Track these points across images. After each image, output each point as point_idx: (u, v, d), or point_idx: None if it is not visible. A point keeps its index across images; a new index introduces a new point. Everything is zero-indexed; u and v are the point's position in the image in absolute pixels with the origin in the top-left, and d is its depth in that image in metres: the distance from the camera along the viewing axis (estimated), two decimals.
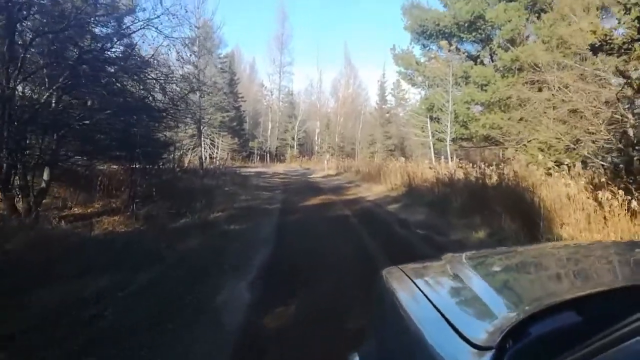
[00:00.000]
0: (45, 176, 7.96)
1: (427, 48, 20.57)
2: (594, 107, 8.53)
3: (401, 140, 39.59)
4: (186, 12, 10.47)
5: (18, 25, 7.08)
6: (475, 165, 12.10)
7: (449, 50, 17.96)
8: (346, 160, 33.68)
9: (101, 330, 3.50)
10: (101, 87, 8.10)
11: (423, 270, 1.83)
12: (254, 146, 47.27)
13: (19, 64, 6.86)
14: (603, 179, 6.83)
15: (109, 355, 3.20)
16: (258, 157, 47.27)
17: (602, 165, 8.56)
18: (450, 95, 17.59)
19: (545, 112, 11.18)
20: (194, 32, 16.78)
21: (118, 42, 9.27)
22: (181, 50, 10.81)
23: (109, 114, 8.29)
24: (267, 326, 3.70)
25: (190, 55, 14.09)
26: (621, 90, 7.83)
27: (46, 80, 7.42)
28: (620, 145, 7.90)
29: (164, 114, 10.22)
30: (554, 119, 10.63)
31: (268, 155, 48.69)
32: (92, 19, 8.18)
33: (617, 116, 8.10)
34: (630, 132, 7.85)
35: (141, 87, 9.32)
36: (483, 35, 17.99)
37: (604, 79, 8.95)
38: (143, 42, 9.34)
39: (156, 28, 8.56)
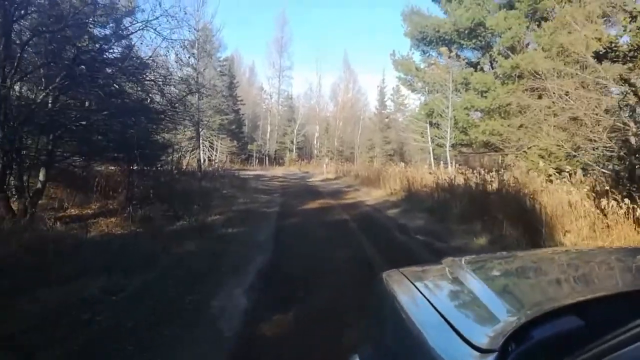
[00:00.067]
0: (41, 177, 7.87)
1: (427, 54, 20.55)
2: (596, 114, 8.47)
3: (400, 145, 39.58)
4: (185, 14, 10.42)
5: (15, 24, 7.02)
6: (474, 171, 12.05)
7: (449, 57, 17.93)
8: (345, 164, 33.67)
9: (93, 335, 3.41)
10: (98, 88, 8.01)
11: (423, 273, 1.83)
12: (253, 149, 47.22)
13: (16, 64, 6.79)
14: (607, 187, 6.77)
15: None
16: (257, 160, 47.23)
17: (604, 172, 8.52)
18: (450, 101, 17.55)
19: (545, 119, 11.13)
20: (193, 35, 16.73)
21: (116, 43, 9.23)
22: (180, 53, 10.76)
23: (106, 115, 8.21)
24: (264, 334, 3.61)
25: (189, 57, 14.03)
26: (623, 98, 7.79)
27: (43, 80, 7.35)
28: (622, 153, 7.85)
29: (162, 115, 10.15)
30: (554, 126, 10.58)
31: (267, 158, 48.66)
32: (91, 19, 8.10)
33: (619, 124, 8.04)
34: (633, 140, 7.81)
35: (139, 89, 9.25)
36: (483, 43, 17.95)
37: (605, 86, 8.90)
38: (141, 43, 9.27)
39: (155, 29, 8.49)
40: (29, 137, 7.86)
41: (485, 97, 17.06)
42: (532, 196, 7.75)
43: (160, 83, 9.40)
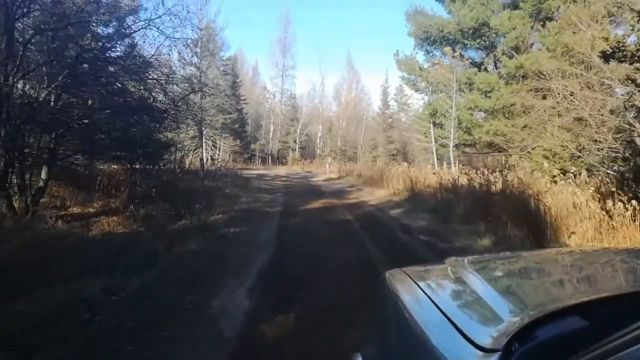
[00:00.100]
0: (43, 175, 7.87)
1: (431, 54, 20.46)
2: (601, 115, 8.41)
3: (403, 145, 39.48)
4: (188, 12, 10.37)
5: (17, 22, 7.00)
6: (478, 172, 11.99)
7: (453, 57, 17.84)
8: (348, 164, 33.60)
9: (92, 336, 3.38)
10: (101, 86, 8.00)
11: (426, 273, 1.82)
12: (256, 148, 47.21)
13: (18, 62, 6.77)
14: (613, 188, 6.70)
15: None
16: (260, 160, 47.20)
17: (608, 173, 8.45)
18: (454, 101, 17.47)
19: (549, 120, 11.07)
20: (196, 34, 16.72)
21: (119, 42, 9.21)
22: (183, 51, 10.71)
23: (108, 113, 8.22)
24: (264, 334, 3.58)
25: (192, 56, 13.99)
26: (629, 98, 7.72)
27: (45, 78, 7.33)
28: (627, 154, 7.78)
29: (165, 114, 10.13)
30: (558, 126, 10.51)
31: (270, 157, 48.59)
32: (94, 17, 8.08)
33: (624, 125, 7.97)
34: (638, 141, 7.73)
35: (142, 87, 9.23)
36: (487, 42, 17.87)
37: (610, 87, 8.83)
38: (144, 42, 9.27)
39: (157, 28, 8.48)
40: (31, 135, 7.85)
41: (489, 97, 16.99)
42: (536, 197, 7.69)
43: (163, 82, 9.38)
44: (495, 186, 9.61)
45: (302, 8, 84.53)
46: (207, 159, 23.72)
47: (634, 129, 7.78)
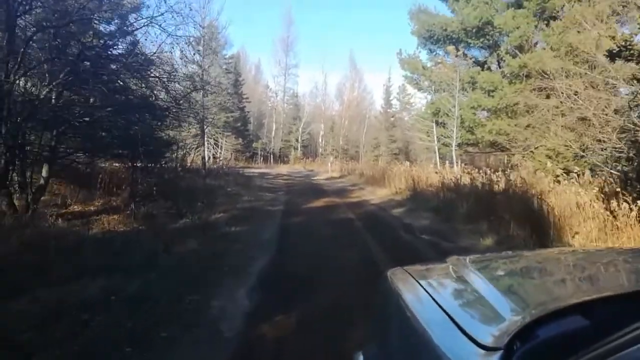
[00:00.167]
0: (44, 173, 7.85)
1: (434, 53, 20.41)
2: (605, 115, 8.35)
3: (406, 144, 39.45)
4: (190, 10, 10.32)
5: (19, 19, 6.97)
6: (480, 171, 11.94)
7: (456, 56, 17.78)
8: (350, 163, 33.53)
9: (91, 337, 3.34)
10: (103, 84, 7.96)
11: (428, 272, 1.83)
12: (258, 147, 47.16)
13: (19, 59, 6.74)
14: (618, 188, 6.64)
15: None
16: (262, 158, 47.16)
17: (612, 173, 8.39)
18: (457, 100, 17.41)
19: (553, 119, 11.01)
20: (199, 32, 16.70)
21: (121, 40, 9.20)
22: (185, 49, 10.67)
23: (110, 111, 8.19)
24: (265, 335, 3.54)
25: (194, 54, 13.96)
26: (634, 98, 7.66)
27: (46, 75, 7.30)
28: (631, 154, 7.73)
29: (167, 112, 10.09)
30: (562, 126, 10.46)
31: (272, 156, 48.55)
32: (96, 15, 8.05)
33: (629, 124, 7.91)
34: None
35: (143, 85, 9.20)
36: (491, 42, 17.80)
37: (614, 86, 8.77)
38: (146, 39, 9.23)
39: (159, 26, 8.45)
40: (32, 133, 7.82)
41: (492, 96, 16.93)
42: (539, 197, 7.64)
43: (165, 80, 9.35)
44: (498, 186, 9.56)
45: (305, 8, 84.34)
46: (209, 158, 23.68)
47: (638, 128, 7.72)
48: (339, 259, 6.25)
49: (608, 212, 6.16)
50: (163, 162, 12.17)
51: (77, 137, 8.96)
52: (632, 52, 6.62)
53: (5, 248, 5.16)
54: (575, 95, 9.43)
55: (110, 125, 8.92)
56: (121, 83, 8.86)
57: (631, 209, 5.81)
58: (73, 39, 7.76)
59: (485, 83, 17.29)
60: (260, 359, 3.26)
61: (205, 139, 20.31)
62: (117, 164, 10.88)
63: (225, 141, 30.88)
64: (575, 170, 8.50)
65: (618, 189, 6.66)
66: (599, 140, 8.58)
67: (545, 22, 15.03)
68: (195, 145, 19.41)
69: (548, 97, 11.76)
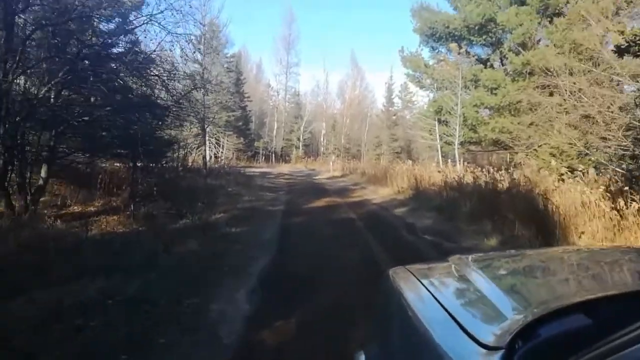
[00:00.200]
0: (43, 173, 7.78)
1: (436, 51, 20.28)
2: (611, 112, 8.24)
3: (407, 143, 39.32)
4: (190, 7, 10.25)
5: (17, 17, 6.90)
6: (483, 169, 11.85)
7: (459, 53, 17.66)
8: (352, 161, 33.44)
9: (85, 341, 3.25)
10: (102, 83, 7.90)
11: (429, 271, 1.83)
12: (260, 146, 47.07)
13: (17, 58, 6.67)
14: (624, 187, 6.53)
15: None
16: (263, 157, 47.07)
17: (617, 171, 8.28)
18: (459, 98, 17.30)
19: (557, 117, 10.90)
20: (199, 30, 16.64)
21: (121, 38, 9.13)
22: (185, 47, 10.58)
23: (109, 110, 8.11)
24: (265, 339, 3.45)
25: (194, 52, 13.88)
26: None
27: (45, 74, 7.23)
28: (637, 152, 7.63)
29: (167, 112, 10.01)
30: (566, 124, 10.35)
31: (273, 155, 48.48)
32: (95, 13, 7.97)
33: (634, 122, 7.80)
34: None
35: (143, 84, 9.12)
36: (493, 39, 17.68)
37: (619, 83, 8.66)
38: (145, 37, 9.15)
39: (159, 23, 8.36)
40: (31, 132, 7.76)
41: (495, 94, 16.81)
42: (544, 195, 7.54)
43: (165, 78, 9.26)
44: (502, 184, 9.46)
45: (306, 7, 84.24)
46: (211, 157, 23.63)
47: None
48: (341, 259, 6.19)
49: (615, 211, 6.06)
50: (164, 162, 12.12)
51: (77, 136, 8.90)
52: None
53: (2, 249, 5.10)
54: (580, 92, 9.31)
55: (110, 124, 8.85)
56: (121, 82, 8.79)
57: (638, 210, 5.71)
58: (72, 37, 7.67)
59: (488, 81, 17.18)
60: None
61: (207, 138, 20.25)
62: (117, 164, 10.81)
63: (227, 140, 30.80)
64: (579, 169, 8.40)
65: (624, 188, 6.56)
66: (604, 138, 8.47)
67: (549, 19, 14.91)
68: (197, 145, 19.36)
69: (551, 94, 11.64)
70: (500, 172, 10.61)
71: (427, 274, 1.71)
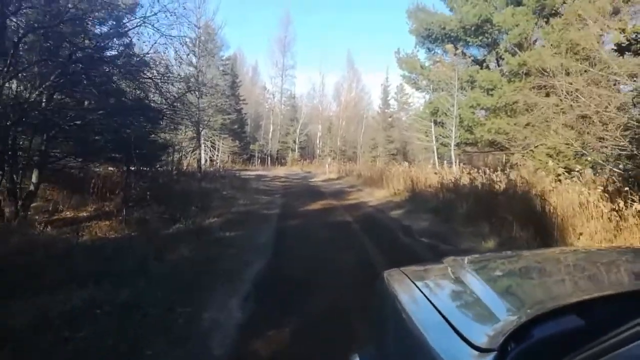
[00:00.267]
0: (34, 178, 7.67)
1: (432, 52, 20.26)
2: (608, 112, 8.18)
3: (403, 145, 39.38)
4: (184, 9, 10.13)
5: (8, 20, 6.80)
6: (479, 171, 11.80)
7: (455, 54, 17.65)
8: (348, 164, 33.48)
9: (69, 356, 3.13)
10: (94, 86, 7.80)
11: (424, 273, 1.83)
12: (255, 149, 47.04)
13: (9, 61, 6.56)
14: (624, 187, 6.47)
15: None
16: (259, 160, 47.05)
17: (614, 171, 8.23)
18: (455, 99, 17.27)
19: (553, 118, 10.85)
20: (194, 32, 16.55)
21: (115, 41, 9.02)
22: (179, 50, 10.46)
23: (102, 114, 8.00)
24: (259, 349, 3.35)
25: (189, 54, 13.77)
26: (639, 94, 7.49)
27: (37, 78, 7.13)
28: (635, 152, 7.57)
29: (161, 115, 9.90)
30: (562, 124, 10.30)
31: (269, 158, 48.45)
32: (88, 15, 7.86)
33: (632, 122, 7.75)
34: None
35: (136, 87, 9.01)
36: (490, 40, 17.66)
37: (617, 82, 8.61)
38: (138, 39, 9.05)
39: (152, 25, 8.25)
40: (22, 137, 7.64)
41: (492, 95, 16.78)
42: (541, 196, 7.48)
43: (159, 81, 9.15)
44: (499, 185, 9.40)
45: (301, 9, 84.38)
46: (206, 160, 23.53)
47: None
48: (337, 262, 6.13)
49: (615, 212, 5.99)
50: (158, 166, 12.00)
51: (69, 141, 8.78)
52: None
53: None
54: (576, 92, 9.26)
55: (103, 128, 8.73)
56: (114, 85, 8.68)
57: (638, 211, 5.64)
58: (64, 40, 7.56)
59: (484, 82, 17.15)
60: None
61: (202, 141, 20.14)
62: (111, 168, 10.70)
63: (222, 143, 30.74)
64: (576, 169, 8.34)
65: (623, 188, 6.50)
66: (601, 138, 8.42)
67: (545, 19, 14.88)
68: (192, 148, 19.23)
69: (548, 95, 11.59)
70: (496, 173, 10.55)
71: (421, 276, 1.73)
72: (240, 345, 3.43)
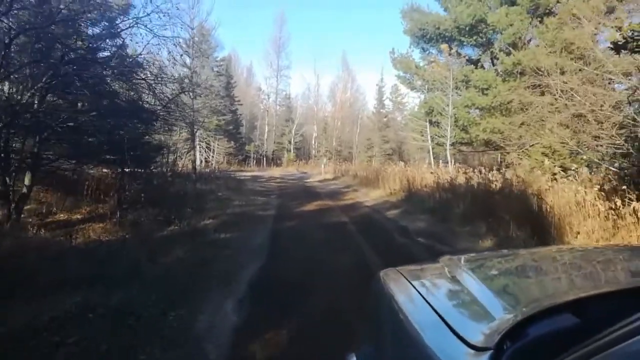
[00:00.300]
0: (27, 181, 7.58)
1: (427, 52, 20.31)
2: (603, 110, 8.18)
3: (399, 145, 39.43)
4: (178, 9, 10.04)
5: None
6: (475, 170, 11.79)
7: (449, 54, 17.65)
8: (344, 164, 33.46)
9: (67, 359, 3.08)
10: (87, 87, 7.72)
11: (420, 272, 1.83)
12: (251, 150, 46.93)
13: (0, 62, 6.48)
14: (621, 186, 6.45)
15: None
16: (254, 161, 46.96)
17: (610, 170, 8.23)
18: (450, 99, 17.28)
19: (548, 117, 10.86)
20: (187, 33, 16.47)
21: (108, 42, 8.95)
22: (173, 50, 10.38)
23: (95, 115, 7.92)
24: (254, 353, 3.29)
25: (182, 55, 13.70)
26: (634, 93, 7.49)
27: (29, 79, 7.05)
28: (630, 150, 7.57)
29: (154, 116, 9.83)
30: (557, 123, 10.30)
31: (265, 159, 48.40)
32: (80, 16, 7.78)
33: (627, 120, 7.75)
34: None
35: (130, 88, 8.94)
36: (484, 39, 17.70)
37: (612, 81, 8.61)
38: (131, 40, 8.98)
39: (145, 26, 8.18)
40: (14, 139, 7.56)
41: (486, 94, 16.81)
42: (538, 195, 7.47)
43: (152, 82, 9.07)
44: (495, 185, 9.38)
45: (296, 9, 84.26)
46: (201, 162, 23.45)
47: (638, 124, 7.54)
48: (333, 263, 6.09)
49: (612, 211, 5.98)
50: (152, 167, 11.91)
51: (62, 143, 8.69)
52: (639, 43, 6.35)
53: None
54: (571, 91, 9.26)
55: (96, 130, 8.64)
56: (107, 86, 8.60)
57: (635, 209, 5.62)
58: (57, 41, 7.49)
59: (479, 81, 17.18)
60: None
61: (197, 142, 20.06)
62: (105, 170, 10.61)
63: (218, 145, 30.66)
64: (572, 168, 8.34)
65: (619, 186, 6.49)
66: (596, 137, 8.43)
67: (539, 19, 14.90)
68: (187, 150, 19.15)
69: (543, 94, 11.62)
70: (492, 173, 10.55)
71: (417, 275, 1.72)
72: (236, 348, 3.38)
